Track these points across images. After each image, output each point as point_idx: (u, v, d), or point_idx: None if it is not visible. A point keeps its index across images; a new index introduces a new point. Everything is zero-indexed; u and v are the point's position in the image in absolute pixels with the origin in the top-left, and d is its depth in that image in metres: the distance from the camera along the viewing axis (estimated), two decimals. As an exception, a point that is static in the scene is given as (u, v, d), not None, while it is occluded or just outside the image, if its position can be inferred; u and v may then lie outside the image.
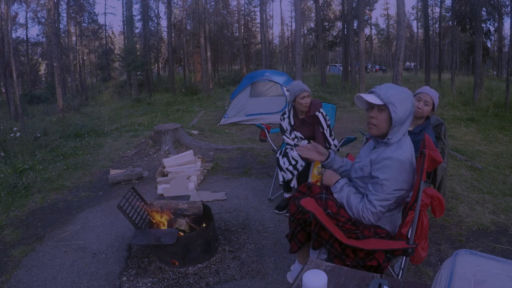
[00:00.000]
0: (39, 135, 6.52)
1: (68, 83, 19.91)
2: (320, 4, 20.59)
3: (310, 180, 3.02)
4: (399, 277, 1.89)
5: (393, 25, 38.55)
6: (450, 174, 4.16)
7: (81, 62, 23.19)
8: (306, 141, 3.26)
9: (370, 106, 1.72)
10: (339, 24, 24.54)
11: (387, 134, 1.70)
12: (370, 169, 1.74)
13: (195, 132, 7.13)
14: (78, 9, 20.29)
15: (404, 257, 1.86)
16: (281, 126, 3.36)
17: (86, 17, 22.34)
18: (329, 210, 1.79)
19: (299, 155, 3.09)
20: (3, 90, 15.49)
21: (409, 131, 2.67)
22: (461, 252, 0.88)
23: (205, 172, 4.45)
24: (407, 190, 1.69)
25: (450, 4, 15.73)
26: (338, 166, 2.08)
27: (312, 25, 30.80)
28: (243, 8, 30.47)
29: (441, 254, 2.53)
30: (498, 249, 2.59)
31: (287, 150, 3.15)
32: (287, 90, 3.33)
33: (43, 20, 21.69)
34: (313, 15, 30.88)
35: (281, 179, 3.19)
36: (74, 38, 21.92)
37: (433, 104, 2.57)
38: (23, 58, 23.17)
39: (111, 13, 42.72)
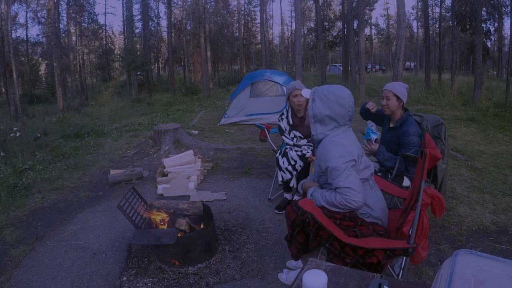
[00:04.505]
0: (39, 135, 6.52)
1: (68, 83, 19.88)
2: (320, 4, 20.58)
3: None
4: (399, 277, 1.89)
5: (393, 25, 38.55)
6: (450, 174, 4.16)
7: (81, 62, 23.17)
8: (305, 140, 3.27)
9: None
10: (339, 24, 24.54)
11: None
12: (320, 169, 1.85)
13: (195, 132, 7.13)
14: (78, 9, 20.27)
15: (404, 257, 1.86)
16: (279, 127, 3.37)
17: (86, 17, 22.33)
18: (324, 210, 1.80)
19: (298, 155, 3.10)
20: (3, 90, 15.49)
21: (391, 127, 2.70)
22: (461, 252, 0.88)
23: (205, 172, 4.45)
24: (355, 159, 1.76)
25: (450, 4, 15.74)
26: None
27: (312, 25, 30.83)
28: (243, 8, 30.49)
29: (441, 254, 2.53)
30: (498, 249, 2.59)
31: (287, 150, 3.16)
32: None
33: (43, 20, 21.69)
34: (313, 15, 30.90)
35: (280, 179, 3.20)
36: (74, 38, 21.91)
37: (396, 96, 2.60)
38: (23, 58, 23.17)
39: (111, 13, 42.81)
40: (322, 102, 1.81)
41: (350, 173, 1.71)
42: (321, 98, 1.81)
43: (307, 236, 1.96)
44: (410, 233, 1.70)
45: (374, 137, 2.59)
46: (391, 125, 2.74)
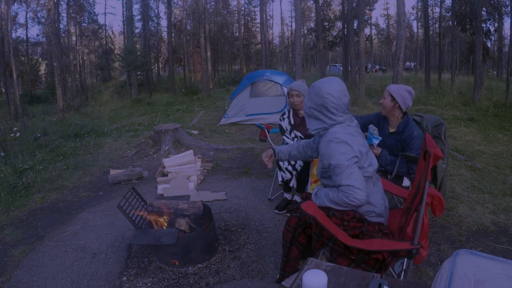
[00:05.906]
0: (39, 135, 6.52)
1: (68, 83, 19.87)
2: (320, 4, 20.57)
3: (310, 179, 3.02)
4: (402, 278, 1.89)
5: (393, 25, 38.54)
6: (450, 174, 4.16)
7: (81, 62, 23.15)
8: (306, 140, 3.27)
9: None
10: (339, 24, 24.53)
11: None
12: (323, 164, 1.87)
13: (195, 132, 7.13)
14: (78, 9, 20.26)
15: (406, 259, 1.85)
16: (280, 127, 3.36)
17: (86, 17, 22.30)
18: (334, 211, 1.80)
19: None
20: (3, 90, 15.48)
21: (392, 132, 2.64)
22: (461, 252, 0.88)
23: (205, 172, 4.45)
24: (358, 156, 1.76)
25: (450, 4, 15.73)
26: (286, 156, 2.28)
27: (312, 25, 30.80)
28: (243, 8, 30.49)
29: (441, 254, 2.53)
30: (498, 249, 2.59)
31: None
32: None
33: (43, 20, 21.65)
34: (313, 15, 30.88)
35: (280, 179, 3.20)
36: (74, 38, 21.89)
37: (391, 96, 2.55)
38: (23, 58, 23.14)
39: (111, 13, 42.61)
40: (307, 96, 1.90)
41: (353, 171, 1.71)
42: (308, 93, 1.91)
43: (309, 238, 1.95)
44: (413, 234, 1.69)
45: (376, 142, 2.53)
46: (391, 130, 2.67)
